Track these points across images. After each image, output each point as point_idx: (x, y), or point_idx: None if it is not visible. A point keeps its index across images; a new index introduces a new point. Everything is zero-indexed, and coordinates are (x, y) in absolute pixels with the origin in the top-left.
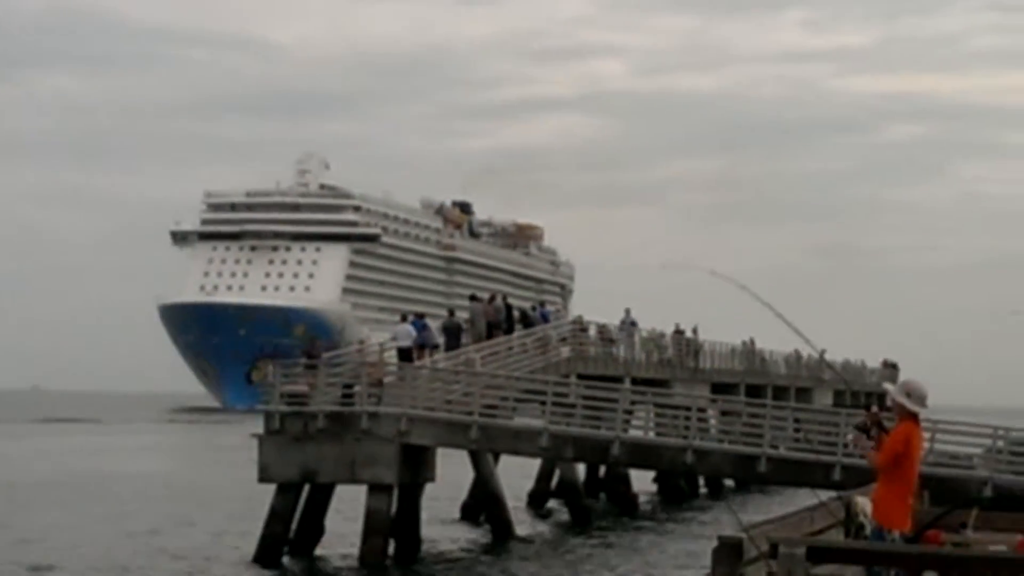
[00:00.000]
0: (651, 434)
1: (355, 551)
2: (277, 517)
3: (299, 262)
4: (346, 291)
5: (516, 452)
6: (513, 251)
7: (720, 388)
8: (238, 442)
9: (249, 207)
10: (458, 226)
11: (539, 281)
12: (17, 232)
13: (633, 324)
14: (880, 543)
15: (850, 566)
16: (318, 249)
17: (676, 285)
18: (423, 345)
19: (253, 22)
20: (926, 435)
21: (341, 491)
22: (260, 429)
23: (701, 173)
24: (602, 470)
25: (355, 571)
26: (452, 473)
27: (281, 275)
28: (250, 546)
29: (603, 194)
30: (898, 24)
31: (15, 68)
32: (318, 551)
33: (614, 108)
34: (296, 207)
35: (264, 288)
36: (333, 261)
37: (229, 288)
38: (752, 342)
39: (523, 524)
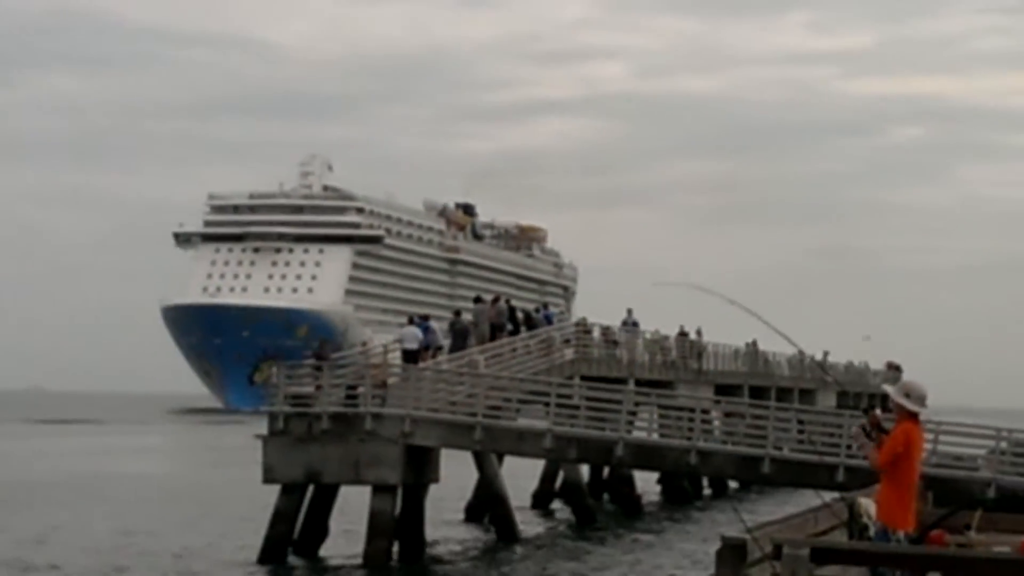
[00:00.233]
0: (655, 435)
1: (359, 552)
2: (281, 518)
3: (302, 264)
4: (349, 293)
5: (520, 453)
6: (516, 253)
7: (724, 390)
8: (242, 443)
9: (252, 209)
10: (461, 228)
11: (542, 283)
12: (18, 233)
13: (635, 324)
14: (883, 544)
15: (854, 567)
16: (321, 251)
17: (680, 287)
18: (427, 347)
19: (254, 23)
20: (929, 436)
21: (345, 492)
22: (263, 430)
23: (703, 175)
24: (606, 471)
25: (359, 572)
26: (456, 474)
27: (284, 277)
28: (254, 547)
29: (606, 196)
30: (901, 26)
31: (15, 69)
32: (322, 552)
33: (616, 110)
34: (299, 209)
35: (267, 290)
36: (336, 263)
37: (232, 289)
38: (755, 344)
39: (527, 525)
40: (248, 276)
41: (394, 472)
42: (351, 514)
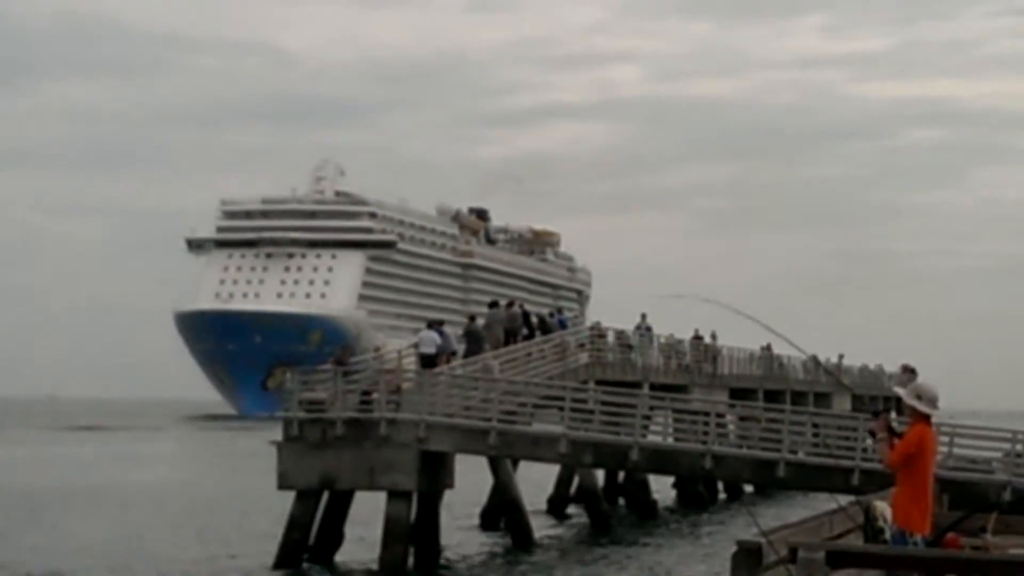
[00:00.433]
0: (670, 439)
1: (374, 558)
2: (296, 524)
3: (315, 269)
4: (362, 298)
5: (535, 458)
6: (530, 257)
7: (738, 393)
8: (256, 449)
9: (265, 214)
10: (474, 232)
11: (556, 287)
12: (31, 240)
13: (648, 329)
14: (899, 547)
15: (870, 570)
16: (334, 256)
17: (694, 291)
18: (442, 352)
19: (267, 29)
20: (945, 440)
21: (360, 498)
22: (277, 436)
23: (718, 179)
24: (621, 476)
25: None
26: (471, 480)
27: (297, 282)
28: (270, 553)
29: (620, 200)
30: (915, 29)
31: (28, 77)
32: (338, 558)
33: (630, 114)
34: (312, 214)
35: (280, 295)
36: (349, 268)
37: (245, 295)
38: (769, 348)
39: (542, 530)
40: (261, 282)
41: (409, 478)
42: (366, 520)
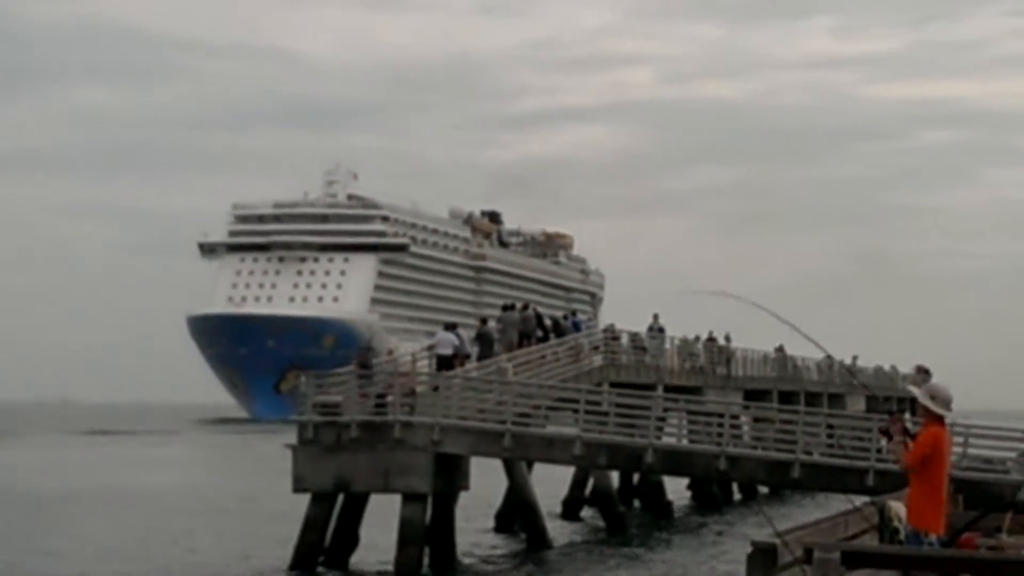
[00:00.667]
0: (684, 441)
1: (390, 560)
2: (312, 527)
3: (327, 272)
4: (374, 301)
5: (550, 460)
6: (542, 260)
7: (753, 395)
8: (270, 452)
9: (277, 218)
10: (487, 235)
11: (569, 290)
12: (45, 245)
13: (661, 331)
14: (914, 547)
15: (885, 571)
16: (346, 259)
17: (704, 295)
18: (458, 354)
19: (279, 34)
20: (959, 440)
21: (375, 500)
22: (290, 439)
23: (730, 181)
24: (636, 477)
25: None
26: (486, 482)
27: (309, 286)
28: (285, 556)
29: (632, 202)
30: (926, 30)
31: (42, 82)
32: (353, 560)
33: (641, 117)
34: (324, 218)
35: (292, 299)
36: (361, 271)
37: (257, 299)
38: (782, 349)
39: (557, 532)
40: (273, 286)
41: (424, 480)
42: (381, 523)
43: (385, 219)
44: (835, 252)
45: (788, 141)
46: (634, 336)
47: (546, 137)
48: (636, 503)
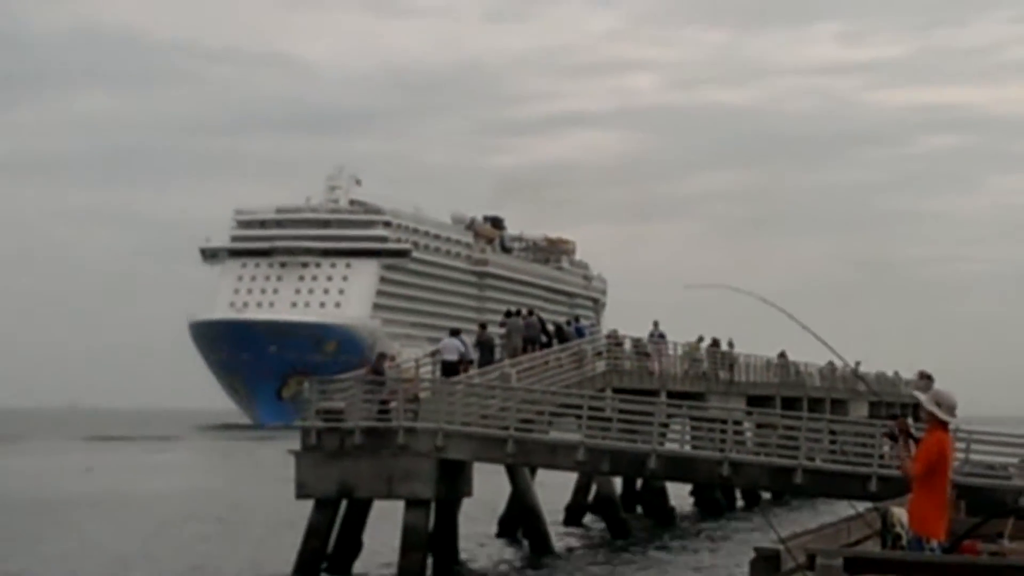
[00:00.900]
0: (687, 447)
1: (393, 566)
2: (315, 533)
3: (329, 278)
4: (377, 307)
5: (552, 466)
6: (545, 265)
7: (755, 401)
8: (273, 458)
9: (279, 223)
10: (489, 241)
11: (571, 295)
12: (49, 251)
13: (662, 337)
14: (917, 553)
15: None
16: (348, 265)
17: (709, 298)
18: (463, 359)
19: (282, 39)
20: (961, 445)
21: (378, 507)
22: (293, 445)
23: (734, 187)
24: (639, 483)
25: None
26: (489, 488)
27: (311, 291)
28: (289, 562)
29: (635, 208)
30: (931, 36)
31: (46, 88)
32: (356, 567)
33: (646, 122)
34: (326, 223)
35: (294, 304)
36: (363, 277)
37: (259, 305)
38: (784, 355)
39: (560, 539)
40: (275, 291)
41: (427, 486)
42: (385, 529)
43: (387, 224)
44: (838, 257)
45: (792, 146)
46: (637, 342)
47: (551, 142)
48: (639, 509)
